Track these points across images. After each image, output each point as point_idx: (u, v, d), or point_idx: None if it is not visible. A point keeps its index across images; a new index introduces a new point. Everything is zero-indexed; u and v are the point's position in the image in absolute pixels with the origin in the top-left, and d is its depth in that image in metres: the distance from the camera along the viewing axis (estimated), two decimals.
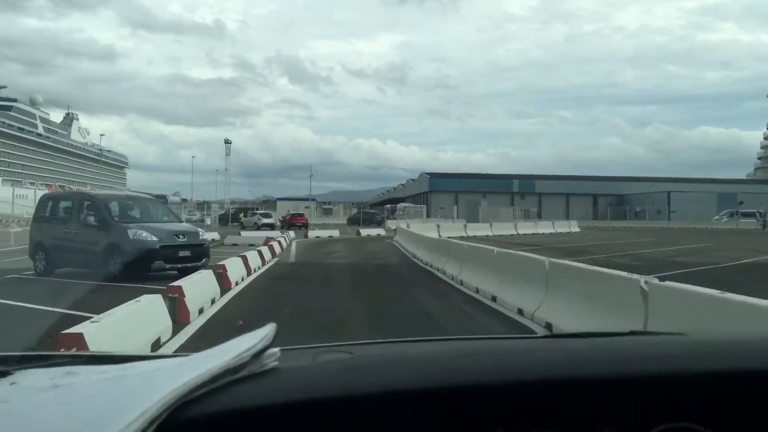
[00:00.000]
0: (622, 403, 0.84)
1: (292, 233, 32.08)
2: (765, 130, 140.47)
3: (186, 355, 0.96)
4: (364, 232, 39.20)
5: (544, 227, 40.62)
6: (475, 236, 31.54)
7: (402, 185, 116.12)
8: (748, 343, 1.08)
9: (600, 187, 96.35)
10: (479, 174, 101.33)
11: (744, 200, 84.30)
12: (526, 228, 39.13)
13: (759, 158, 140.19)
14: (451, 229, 33.45)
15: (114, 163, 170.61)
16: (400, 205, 58.27)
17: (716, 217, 68.82)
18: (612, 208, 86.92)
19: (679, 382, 0.87)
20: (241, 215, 53.43)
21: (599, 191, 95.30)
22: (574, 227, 42.82)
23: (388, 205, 67.21)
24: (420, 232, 24.12)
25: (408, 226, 31.09)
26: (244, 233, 30.80)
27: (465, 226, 35.36)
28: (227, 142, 60.86)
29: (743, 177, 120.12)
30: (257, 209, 60.44)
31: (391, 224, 51.36)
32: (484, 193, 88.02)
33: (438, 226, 33.55)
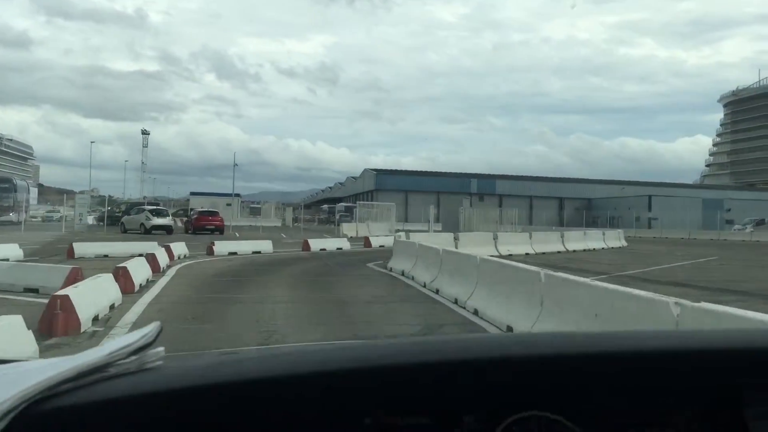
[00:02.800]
0: (481, 394, 0.86)
1: (180, 248, 17.55)
2: (714, 137, 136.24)
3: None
4: (316, 244, 24.51)
5: (594, 240, 27.15)
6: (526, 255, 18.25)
7: (341, 184, 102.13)
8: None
9: (566, 190, 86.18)
10: (433, 172, 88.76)
11: (731, 207, 75.74)
12: (576, 242, 25.43)
13: (707, 165, 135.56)
14: (477, 244, 19.35)
15: (17, 154, 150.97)
16: (363, 203, 43.52)
17: (737, 226, 58.16)
18: (580, 213, 76.53)
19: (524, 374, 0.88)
20: (120, 212, 37.44)
21: (565, 194, 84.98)
22: (621, 240, 29.55)
23: (340, 205, 52.64)
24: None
25: (408, 236, 17.00)
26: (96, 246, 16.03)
27: (495, 239, 21.23)
28: (144, 132, 47.56)
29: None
30: (151, 204, 43.32)
31: (347, 229, 36.94)
32: (438, 193, 77.57)
33: (455, 239, 19.44)
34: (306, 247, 23.76)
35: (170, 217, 35.90)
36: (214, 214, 36.36)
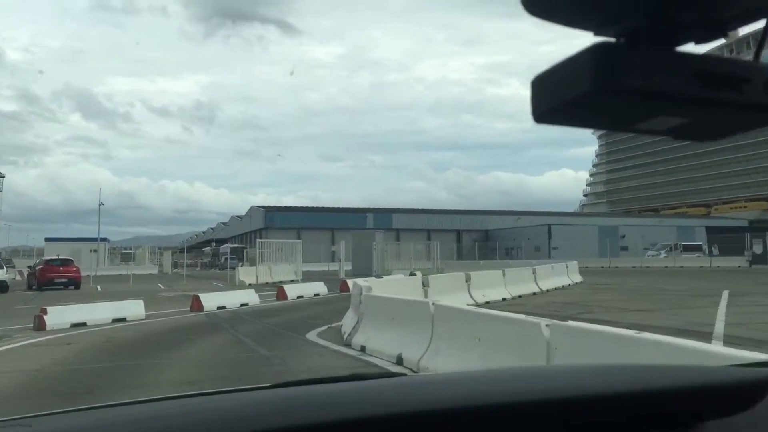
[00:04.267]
0: None
1: None
2: (591, 168, 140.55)
3: None
4: (210, 300, 17.43)
5: (560, 275, 22.16)
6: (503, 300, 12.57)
7: (224, 224, 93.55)
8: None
9: (463, 222, 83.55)
10: (326, 207, 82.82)
11: (625, 233, 75.60)
12: (546, 279, 20.16)
13: (585, 195, 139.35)
14: (449, 289, 13.38)
15: None
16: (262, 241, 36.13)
17: (651, 252, 56.44)
18: (478, 245, 74.05)
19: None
20: None
21: (462, 226, 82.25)
22: (578, 273, 24.74)
23: (225, 246, 44.95)
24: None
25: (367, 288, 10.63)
26: None
27: (468, 281, 15.37)
28: None
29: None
30: None
31: (244, 275, 29.79)
32: (332, 230, 72.47)
33: (425, 285, 13.30)
34: (197, 305, 16.67)
35: (5, 269, 27.05)
36: (67, 263, 27.73)
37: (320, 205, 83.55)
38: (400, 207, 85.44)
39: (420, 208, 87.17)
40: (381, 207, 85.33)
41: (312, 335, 11.22)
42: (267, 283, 29.03)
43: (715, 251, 48.37)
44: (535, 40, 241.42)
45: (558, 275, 22.31)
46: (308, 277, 32.68)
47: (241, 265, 35.66)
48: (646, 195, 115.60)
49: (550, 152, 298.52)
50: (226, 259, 53.37)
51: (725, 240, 50.97)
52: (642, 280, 26.61)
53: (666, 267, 43.85)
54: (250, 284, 26.92)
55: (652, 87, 0.49)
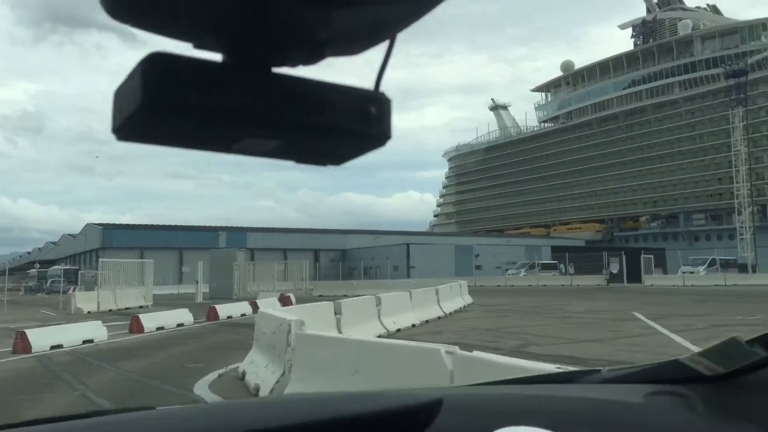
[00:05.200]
0: None
1: None
2: (441, 189, 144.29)
3: None
4: (40, 338, 13.28)
5: (459, 295, 20.13)
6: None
7: (53, 243, 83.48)
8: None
9: (320, 241, 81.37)
10: (173, 226, 76.46)
11: (479, 252, 77.20)
12: (449, 300, 18.05)
13: (435, 216, 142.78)
14: (360, 317, 10.75)
15: None
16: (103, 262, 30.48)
17: (511, 270, 57.05)
18: (335, 264, 72.72)
19: None
20: None
21: (319, 246, 79.98)
22: (466, 294, 22.98)
23: (55, 268, 38.60)
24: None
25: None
26: None
27: (378, 305, 12.75)
28: None
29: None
30: None
31: (82, 301, 24.83)
32: (181, 249, 67.55)
33: (337, 313, 10.43)
34: (22, 345, 12.45)
35: None
36: None
37: (166, 224, 76.86)
38: (249, 226, 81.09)
39: (274, 227, 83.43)
40: (233, 225, 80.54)
41: (202, 389, 7.94)
42: (111, 310, 24.44)
43: (571, 270, 49.90)
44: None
45: (455, 296, 20.40)
46: (159, 301, 28.36)
47: (74, 290, 30.26)
48: (493, 216, 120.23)
49: (398, 174, 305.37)
50: (53, 282, 46.67)
51: (581, 259, 52.91)
52: (532, 300, 25.61)
53: (530, 285, 44.19)
54: (89, 312, 22.32)
55: (225, 104, 0.46)
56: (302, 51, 0.51)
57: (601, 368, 1.26)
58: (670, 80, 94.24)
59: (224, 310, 20.43)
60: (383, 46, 0.53)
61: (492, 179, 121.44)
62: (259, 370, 7.41)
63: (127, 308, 25.30)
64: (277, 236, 78.06)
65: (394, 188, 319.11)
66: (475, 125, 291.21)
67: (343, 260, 76.55)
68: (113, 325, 16.51)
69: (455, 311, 18.82)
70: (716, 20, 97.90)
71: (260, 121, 0.47)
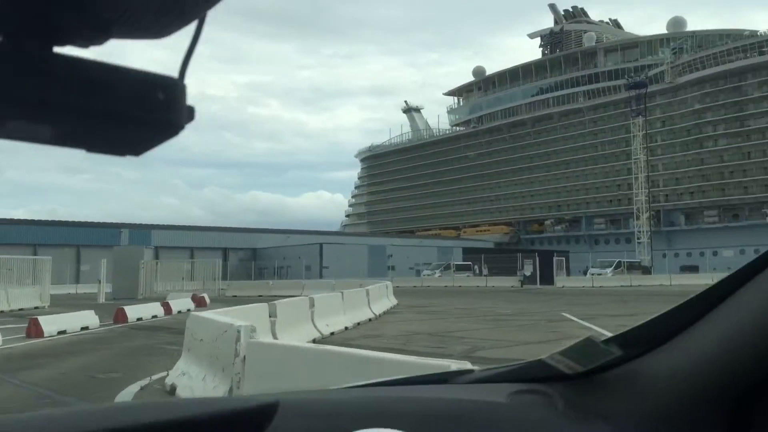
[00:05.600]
0: None
1: None
2: (353, 189, 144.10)
3: None
4: None
5: (387, 294, 19.36)
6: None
7: None
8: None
9: (229, 240, 78.91)
10: (68, 222, 71.84)
11: (392, 253, 77.26)
12: (378, 301, 17.29)
13: (347, 216, 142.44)
14: (295, 320, 9.87)
15: None
16: None
17: (426, 271, 57.09)
18: (245, 263, 70.96)
19: None
20: None
21: (229, 244, 77.51)
22: (391, 296, 22.35)
23: None
24: None
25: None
26: None
27: (312, 307, 11.84)
28: None
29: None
30: None
31: None
32: (78, 246, 63.62)
33: (272, 315, 9.47)
34: None
35: None
36: None
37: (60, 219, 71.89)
38: (153, 223, 77.30)
39: (180, 224, 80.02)
40: (136, 223, 76.58)
41: None
42: (3, 311, 22.09)
43: (485, 271, 50.57)
44: (295, 64, 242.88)
45: (382, 297, 19.72)
46: (57, 302, 26.05)
47: None
48: (404, 217, 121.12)
49: (309, 174, 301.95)
50: None
51: (493, 260, 53.76)
52: (456, 302, 25.36)
53: (446, 286, 44.28)
54: None
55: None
56: (87, 30, 0.47)
57: (475, 368, 1.28)
58: (575, 90, 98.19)
59: (133, 311, 18.78)
60: (189, 30, 0.49)
61: (404, 180, 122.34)
62: (195, 384, 6.35)
63: (20, 309, 22.96)
64: (184, 234, 74.93)
65: (304, 188, 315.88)
66: (386, 127, 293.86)
67: (254, 259, 74.50)
68: (7, 328, 14.64)
69: (384, 313, 18.15)
70: (618, 34, 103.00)
71: (35, 104, 0.43)
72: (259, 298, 32.20)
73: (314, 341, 11.27)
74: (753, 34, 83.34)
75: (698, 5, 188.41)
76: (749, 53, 79.78)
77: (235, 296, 33.95)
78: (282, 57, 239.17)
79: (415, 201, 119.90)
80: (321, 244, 72.82)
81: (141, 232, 70.48)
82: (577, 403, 0.98)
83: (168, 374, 7.91)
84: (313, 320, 12.17)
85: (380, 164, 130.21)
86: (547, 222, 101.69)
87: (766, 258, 0.81)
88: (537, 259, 45.91)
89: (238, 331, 5.62)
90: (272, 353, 5.32)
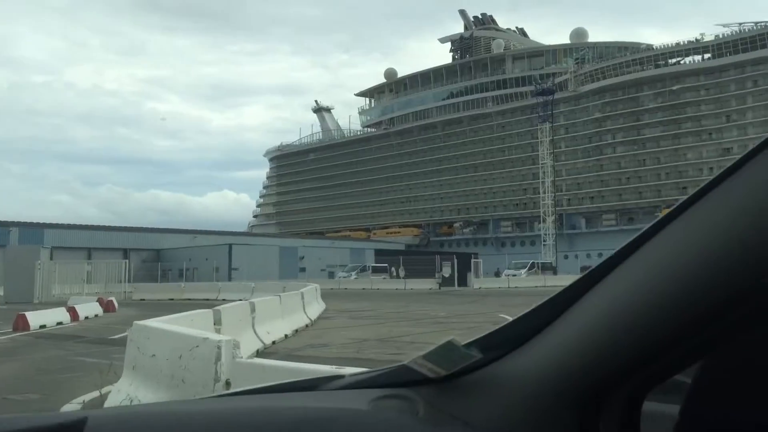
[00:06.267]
0: None
1: None
2: (261, 189, 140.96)
3: None
4: None
5: (317, 301, 18.29)
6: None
7: None
8: None
9: (130, 240, 74.97)
10: None
11: (304, 254, 75.94)
12: (309, 304, 16.24)
13: (254, 216, 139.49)
14: (236, 327, 8.84)
15: None
16: None
17: (342, 274, 56.11)
18: (148, 265, 67.78)
19: None
20: None
21: (130, 245, 73.59)
22: (319, 300, 21.33)
23: None
24: None
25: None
26: None
27: (252, 312, 10.74)
28: None
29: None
30: None
31: None
32: None
33: (216, 323, 8.35)
34: None
35: None
36: None
37: None
38: (47, 222, 72.09)
39: (75, 223, 75.14)
40: (26, 221, 71.13)
41: None
42: None
43: (402, 273, 50.35)
44: (197, 60, 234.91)
45: (313, 301, 18.68)
46: None
47: None
48: (314, 218, 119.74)
49: (212, 173, 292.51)
50: None
51: (408, 262, 53.62)
52: (386, 305, 24.66)
53: (364, 289, 43.65)
54: None
55: None
56: None
57: (345, 374, 1.25)
58: (484, 95, 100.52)
59: (36, 317, 16.81)
60: None
61: (314, 181, 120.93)
62: None
63: None
64: (80, 233, 70.42)
65: (207, 187, 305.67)
66: (295, 126, 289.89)
67: (158, 260, 71.00)
68: None
69: (318, 318, 17.18)
70: (524, 42, 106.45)
71: None
72: (171, 302, 30.33)
73: (257, 353, 10.22)
74: (649, 47, 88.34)
75: (597, 18, 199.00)
76: (645, 66, 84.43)
77: (144, 300, 31.79)
78: (185, 51, 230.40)
79: (325, 202, 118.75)
80: (230, 245, 70.37)
81: (33, 231, 65.48)
82: (438, 407, 0.98)
83: (103, 397, 6.65)
84: (254, 327, 11.08)
85: (290, 164, 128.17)
86: (457, 224, 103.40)
87: (614, 259, 0.83)
88: (455, 261, 46.16)
89: (218, 348, 4.53)
90: (264, 376, 4.29)
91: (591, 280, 0.85)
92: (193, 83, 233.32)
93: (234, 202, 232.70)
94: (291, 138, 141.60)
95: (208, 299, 28.41)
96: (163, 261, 70.56)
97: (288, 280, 44.82)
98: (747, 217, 0.68)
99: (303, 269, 69.41)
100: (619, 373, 0.82)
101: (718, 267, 0.70)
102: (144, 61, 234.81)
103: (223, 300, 27.59)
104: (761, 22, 77.19)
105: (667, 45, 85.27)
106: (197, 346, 4.89)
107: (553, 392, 0.87)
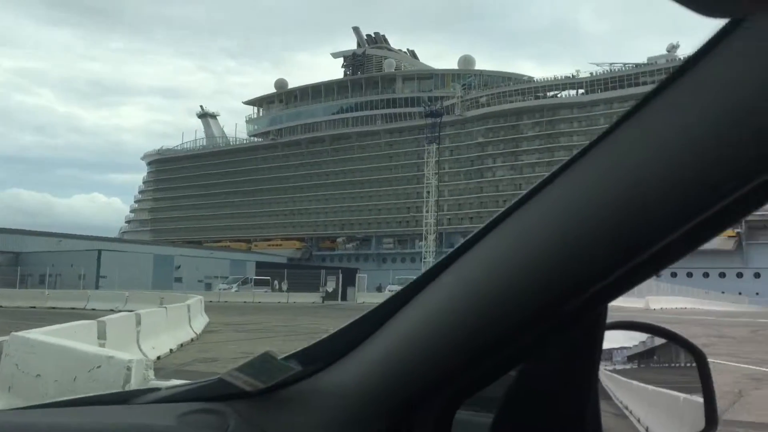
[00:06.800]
0: None
1: None
2: (137, 194, 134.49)
3: None
4: None
5: (199, 316, 17.23)
6: None
7: None
8: None
9: None
10: None
11: (181, 264, 72.82)
12: (194, 317, 15.28)
13: (127, 222, 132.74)
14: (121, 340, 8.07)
15: None
16: None
17: (223, 286, 53.93)
18: (5, 269, 62.95)
19: None
20: None
21: None
22: (203, 313, 20.26)
23: None
24: None
25: None
26: None
27: (138, 325, 9.84)
28: None
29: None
30: None
31: None
32: None
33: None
34: None
35: None
36: None
37: None
38: None
39: None
40: None
41: None
42: None
43: (285, 287, 49.48)
44: (75, 55, 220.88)
45: (197, 314, 17.62)
46: None
47: None
48: (192, 226, 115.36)
49: (81, 174, 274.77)
50: None
51: (291, 276, 52.80)
52: (272, 319, 23.80)
53: (245, 302, 42.24)
54: None
55: None
56: None
57: (161, 387, 1.18)
58: (374, 112, 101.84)
59: None
60: None
61: (195, 188, 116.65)
62: None
63: None
64: None
65: (75, 188, 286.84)
66: (177, 131, 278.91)
67: (17, 265, 65.36)
68: None
69: (203, 332, 16.21)
70: (415, 64, 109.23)
71: None
72: (33, 310, 27.73)
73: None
74: (530, 80, 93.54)
75: (484, 47, 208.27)
76: (526, 96, 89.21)
77: (2, 306, 28.89)
78: (61, 45, 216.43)
79: (206, 210, 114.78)
80: (99, 251, 66.01)
81: None
82: (251, 421, 0.96)
83: None
84: (138, 342, 10.15)
85: (170, 169, 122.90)
86: (340, 239, 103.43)
87: (432, 272, 0.84)
88: (340, 275, 45.97)
89: (128, 369, 3.88)
90: None
91: (410, 293, 0.85)
92: (67, 78, 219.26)
93: (104, 205, 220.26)
94: (173, 142, 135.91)
95: (75, 308, 26.38)
96: (23, 265, 65.10)
97: (163, 291, 42.56)
98: (555, 227, 0.70)
99: (179, 279, 66.28)
100: (433, 385, 0.83)
101: (530, 278, 0.71)
102: (13, 51, 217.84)
103: (93, 309, 25.64)
104: (629, 63, 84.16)
105: (547, 79, 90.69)
106: (99, 366, 4.19)
107: (370, 405, 0.87)
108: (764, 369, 11.63)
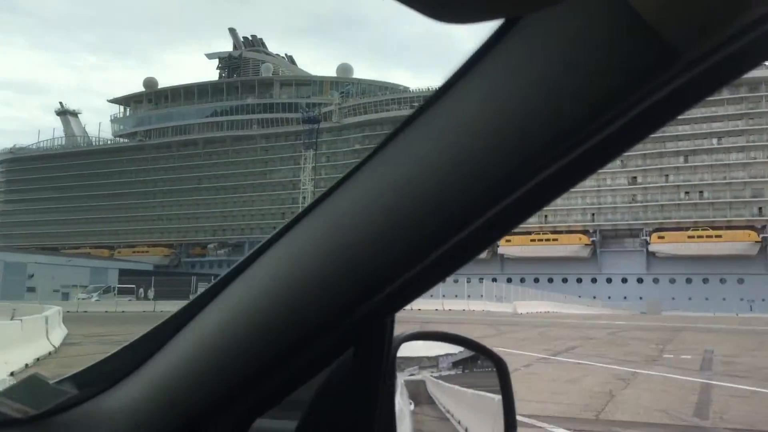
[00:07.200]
0: None
1: None
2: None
3: None
4: None
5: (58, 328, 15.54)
6: None
7: None
8: None
9: None
10: None
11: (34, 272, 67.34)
12: (53, 329, 13.79)
13: None
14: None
15: None
16: None
17: (82, 295, 50.08)
18: None
19: None
20: None
21: None
22: (62, 325, 18.58)
23: None
24: None
25: None
26: None
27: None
28: None
29: None
30: None
31: None
32: None
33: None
34: None
35: None
36: None
37: None
38: None
39: None
40: None
41: None
42: None
43: (151, 294, 46.91)
44: None
45: (56, 325, 15.96)
46: None
47: None
48: (47, 232, 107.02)
49: None
50: None
51: (158, 283, 50.26)
52: (137, 329, 22.07)
53: (107, 312, 39.57)
54: None
55: None
56: None
57: None
58: (250, 116, 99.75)
59: None
60: None
61: (52, 190, 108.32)
62: None
63: None
64: None
65: None
66: (33, 128, 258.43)
67: None
68: None
69: (62, 345, 14.75)
70: (293, 70, 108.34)
71: None
72: None
73: None
74: (406, 89, 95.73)
75: (361, 56, 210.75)
76: (402, 106, 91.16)
77: None
78: None
79: (63, 214, 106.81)
80: None
81: None
82: None
83: None
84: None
85: (23, 169, 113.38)
86: (210, 246, 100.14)
87: (218, 285, 0.81)
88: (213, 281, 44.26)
89: None
90: None
91: (195, 308, 0.82)
92: None
93: None
94: (27, 141, 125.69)
95: None
96: None
97: (14, 301, 38.85)
98: (328, 239, 0.70)
99: (32, 289, 61.16)
100: (222, 401, 0.81)
101: (306, 293, 0.71)
102: None
103: None
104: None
105: (421, 89, 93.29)
106: None
107: (155, 426, 0.83)
108: (628, 369, 12.32)
